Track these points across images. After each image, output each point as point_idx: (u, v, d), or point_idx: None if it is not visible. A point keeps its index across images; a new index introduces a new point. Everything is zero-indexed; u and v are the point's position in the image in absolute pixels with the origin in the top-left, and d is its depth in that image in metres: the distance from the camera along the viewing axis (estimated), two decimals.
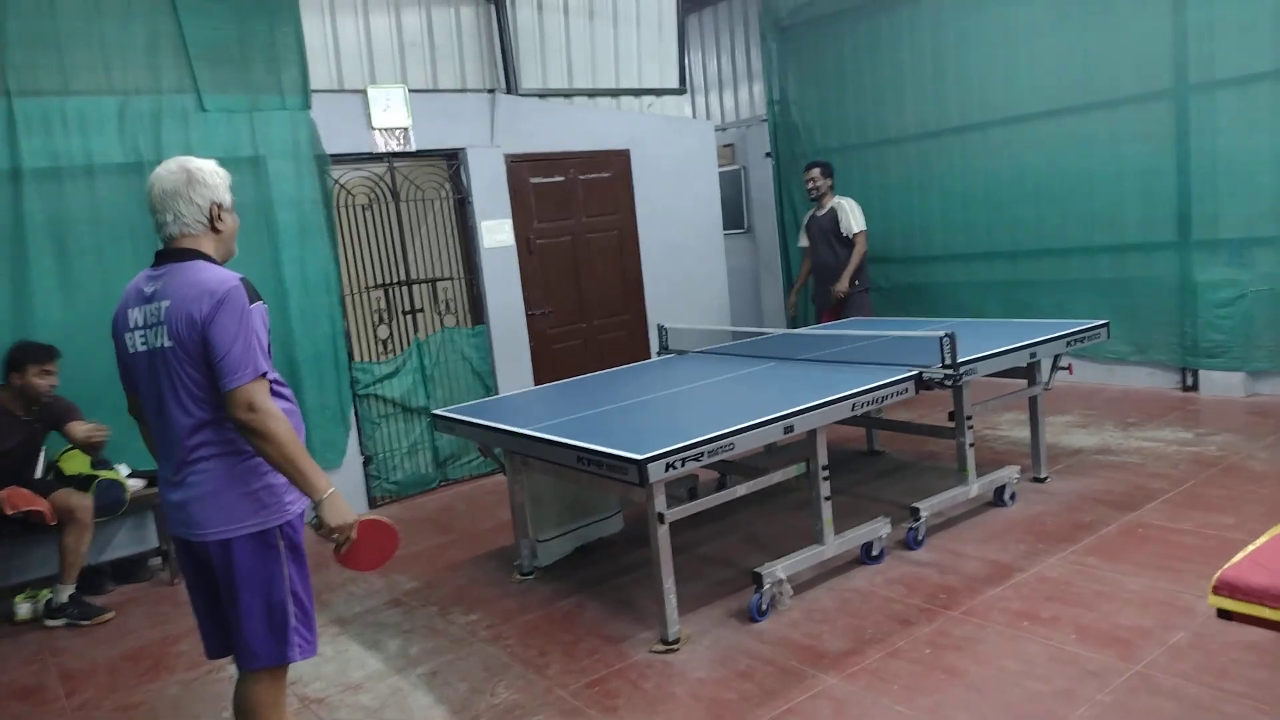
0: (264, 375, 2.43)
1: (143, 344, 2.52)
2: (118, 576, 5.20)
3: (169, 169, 2.57)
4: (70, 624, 4.64)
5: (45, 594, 4.74)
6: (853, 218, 7.01)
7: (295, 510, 2.61)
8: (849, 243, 7.02)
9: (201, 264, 2.52)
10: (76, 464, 4.91)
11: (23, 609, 4.75)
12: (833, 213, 7.08)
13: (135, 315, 2.54)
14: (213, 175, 2.60)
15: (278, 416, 2.41)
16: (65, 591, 4.66)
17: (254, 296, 2.48)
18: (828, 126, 8.80)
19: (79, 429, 4.57)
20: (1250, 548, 1.97)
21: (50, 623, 4.65)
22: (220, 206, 2.60)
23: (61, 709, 3.83)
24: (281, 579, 2.56)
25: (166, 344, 2.46)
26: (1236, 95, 6.14)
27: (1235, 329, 6.36)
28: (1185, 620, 3.39)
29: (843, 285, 6.99)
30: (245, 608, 2.54)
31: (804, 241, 7.43)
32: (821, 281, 7.27)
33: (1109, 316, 5.62)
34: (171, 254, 2.55)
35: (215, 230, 2.60)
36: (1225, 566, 1.90)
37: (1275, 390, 6.34)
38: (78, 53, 5.11)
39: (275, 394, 2.49)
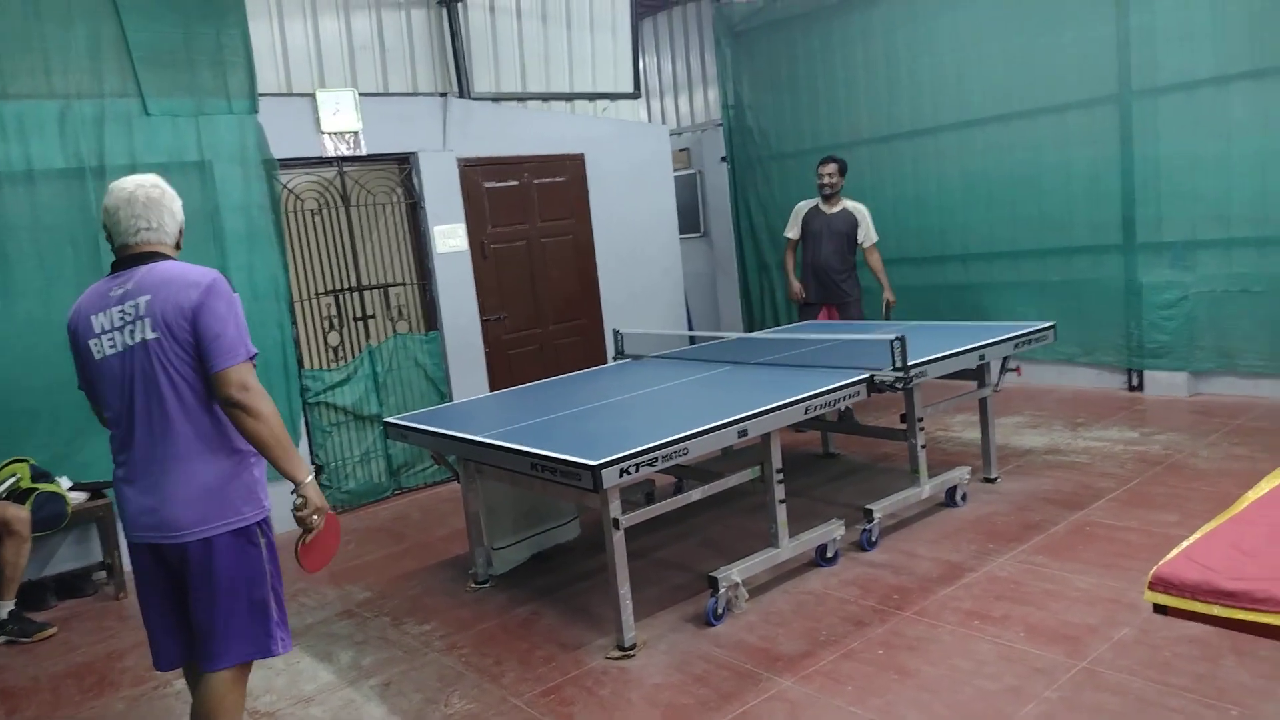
0: (253, 358, 2.52)
1: (111, 347, 2.53)
2: (60, 591, 5.07)
3: (148, 180, 2.65)
4: (10, 641, 4.52)
5: None
6: (872, 227, 6.78)
7: (270, 507, 2.68)
8: (855, 248, 6.80)
9: (173, 262, 2.61)
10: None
11: None
12: (848, 215, 6.75)
13: (100, 320, 2.54)
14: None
15: (267, 396, 2.51)
16: (4, 607, 4.54)
17: (230, 290, 2.58)
18: (782, 131, 8.87)
19: None
20: (1184, 544, 2.00)
21: None
22: (182, 228, 2.74)
23: None
24: (263, 575, 2.63)
25: (149, 337, 2.48)
26: (1179, 101, 6.29)
27: (1179, 330, 6.51)
28: (1130, 616, 3.46)
29: (891, 295, 6.83)
30: (225, 607, 2.57)
31: (795, 233, 6.92)
32: (818, 281, 6.85)
33: (1057, 319, 5.71)
34: (136, 258, 2.59)
35: (178, 246, 2.72)
36: (1160, 563, 1.93)
37: (1217, 390, 6.49)
38: (16, 56, 4.98)
39: None
